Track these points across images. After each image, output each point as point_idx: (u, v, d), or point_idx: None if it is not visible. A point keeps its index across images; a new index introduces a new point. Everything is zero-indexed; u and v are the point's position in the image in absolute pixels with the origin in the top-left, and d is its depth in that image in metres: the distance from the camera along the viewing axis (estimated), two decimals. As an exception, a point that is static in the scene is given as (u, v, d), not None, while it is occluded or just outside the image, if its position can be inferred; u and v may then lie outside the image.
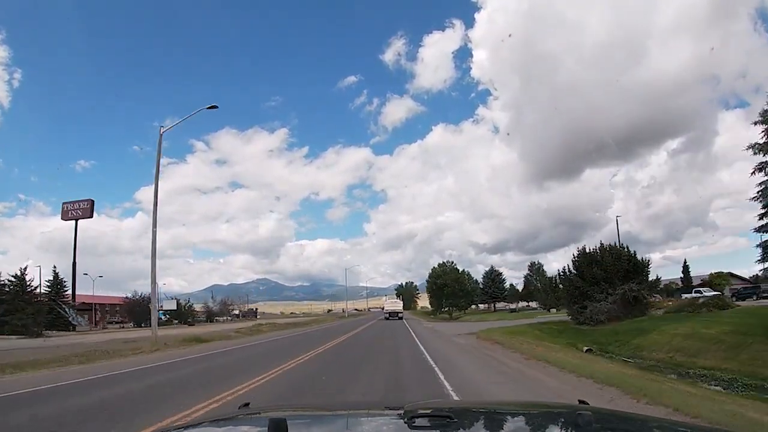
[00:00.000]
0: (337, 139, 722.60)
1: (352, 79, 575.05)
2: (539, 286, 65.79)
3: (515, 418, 1.90)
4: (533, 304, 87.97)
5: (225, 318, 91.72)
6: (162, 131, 23.34)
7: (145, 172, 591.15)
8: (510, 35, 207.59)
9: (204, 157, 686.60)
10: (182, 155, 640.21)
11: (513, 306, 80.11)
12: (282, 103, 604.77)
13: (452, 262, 74.72)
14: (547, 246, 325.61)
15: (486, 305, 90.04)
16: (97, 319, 67.88)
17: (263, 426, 1.38)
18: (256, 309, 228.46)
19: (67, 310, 49.56)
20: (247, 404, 2.37)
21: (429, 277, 74.98)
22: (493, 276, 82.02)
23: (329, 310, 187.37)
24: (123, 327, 55.60)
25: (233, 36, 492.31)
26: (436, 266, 75.24)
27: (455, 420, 1.51)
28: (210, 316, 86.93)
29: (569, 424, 1.58)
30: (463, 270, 73.55)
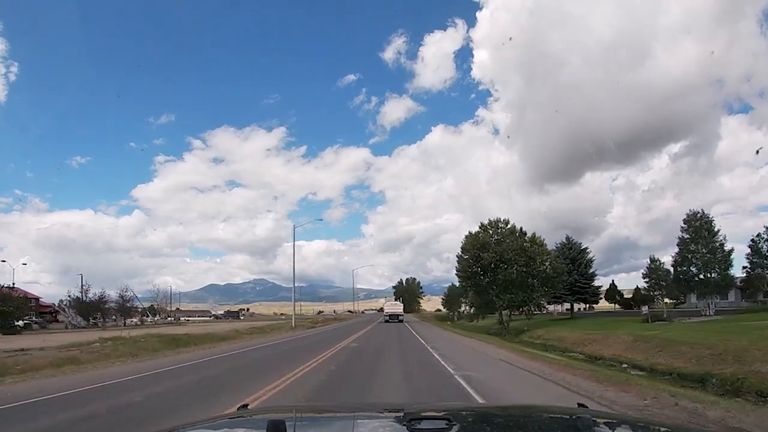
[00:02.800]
0: (336, 139, 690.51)
1: (351, 77, 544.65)
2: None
3: (514, 421, 1.83)
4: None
5: (117, 320, 57.33)
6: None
7: (142, 170, 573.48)
8: (510, 38, 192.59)
9: (201, 155, 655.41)
10: (179, 153, 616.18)
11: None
12: (280, 101, 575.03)
13: (507, 221, 38.73)
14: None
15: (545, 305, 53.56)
16: None
17: (262, 427, 1.34)
18: (247, 309, 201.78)
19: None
20: (245, 405, 2.44)
21: (462, 249, 38.87)
22: (573, 253, 45.77)
23: (320, 312, 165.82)
24: None
25: (231, 32, 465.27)
26: (474, 231, 39.19)
27: (454, 423, 1.48)
28: (89, 314, 53.12)
29: (568, 428, 1.57)
30: (533, 234, 37.37)
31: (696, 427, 2.44)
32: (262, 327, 40.04)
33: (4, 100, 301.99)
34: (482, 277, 36.62)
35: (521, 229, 36.75)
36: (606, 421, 1.77)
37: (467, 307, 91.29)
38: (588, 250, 47.03)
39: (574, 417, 1.50)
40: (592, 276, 47.13)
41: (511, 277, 34.51)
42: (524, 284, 34.63)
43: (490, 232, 37.78)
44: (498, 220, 38.35)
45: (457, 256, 38.76)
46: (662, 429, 1.68)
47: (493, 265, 35.92)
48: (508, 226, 38.19)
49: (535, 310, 35.69)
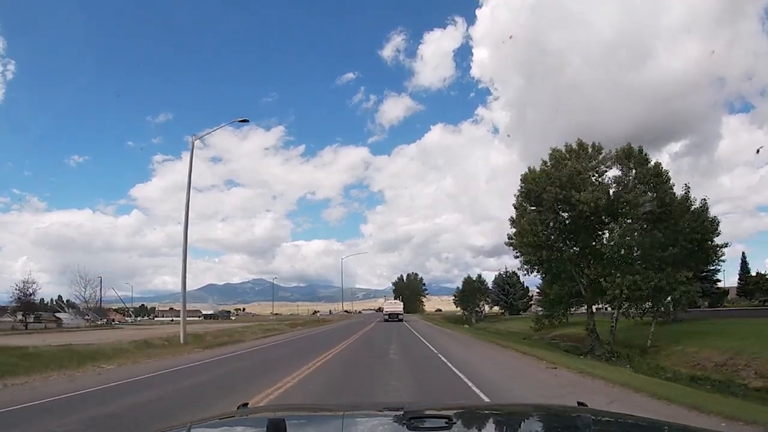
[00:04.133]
0: (335, 138, 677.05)
1: (350, 75, 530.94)
2: None
3: (514, 420, 1.82)
4: None
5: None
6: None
7: (140, 169, 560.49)
8: (511, 37, 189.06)
9: (200, 154, 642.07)
10: (178, 152, 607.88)
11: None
12: (278, 100, 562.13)
13: (598, 145, 21.07)
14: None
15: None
16: None
17: (262, 426, 1.33)
18: (243, 309, 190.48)
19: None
20: (245, 404, 2.31)
21: (524, 196, 21.28)
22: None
23: (315, 312, 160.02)
24: None
25: (229, 31, 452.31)
26: (541, 165, 21.71)
27: (454, 421, 1.45)
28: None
29: (568, 426, 1.56)
30: (657, 163, 19.88)
31: (697, 427, 1.93)
32: (201, 335, 24.27)
33: (2, 98, 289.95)
34: (565, 247, 19.11)
35: (640, 149, 19.15)
36: (606, 419, 1.76)
37: (488, 306, 73.74)
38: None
39: (574, 415, 1.47)
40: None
41: (632, 242, 17.09)
42: (658, 258, 17.18)
43: (571, 163, 20.25)
44: (581, 144, 20.76)
45: (514, 206, 21.03)
46: (663, 428, 1.66)
47: (583, 222, 18.45)
48: (602, 155, 20.60)
49: (675, 307, 18.29)
